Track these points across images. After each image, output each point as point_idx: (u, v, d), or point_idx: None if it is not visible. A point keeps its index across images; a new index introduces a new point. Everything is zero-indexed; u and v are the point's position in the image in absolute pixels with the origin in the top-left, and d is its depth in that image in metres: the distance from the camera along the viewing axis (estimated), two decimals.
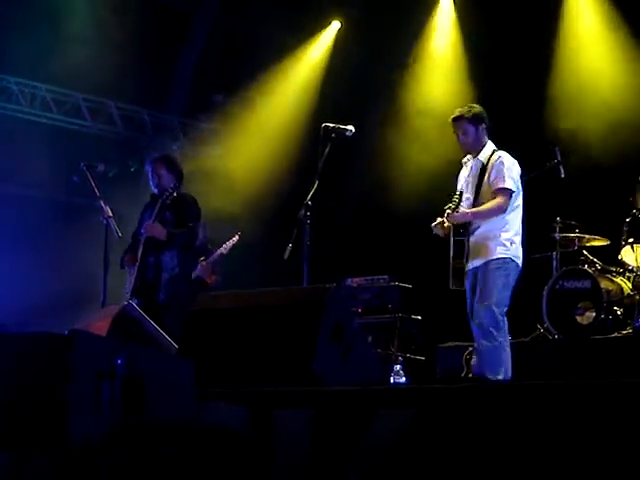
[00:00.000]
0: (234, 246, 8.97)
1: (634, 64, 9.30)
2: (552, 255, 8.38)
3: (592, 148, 8.94)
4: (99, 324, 5.44)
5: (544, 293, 7.98)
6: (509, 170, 6.31)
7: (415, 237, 6.60)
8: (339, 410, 3.74)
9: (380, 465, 3.52)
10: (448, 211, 6.30)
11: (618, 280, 7.95)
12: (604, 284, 7.80)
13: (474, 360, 6.66)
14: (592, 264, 8.13)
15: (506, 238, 6.26)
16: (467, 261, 6.29)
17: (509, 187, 6.27)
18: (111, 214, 7.41)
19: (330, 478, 3.61)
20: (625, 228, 7.99)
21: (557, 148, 8.09)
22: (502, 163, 6.33)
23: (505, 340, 6.18)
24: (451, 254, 6.30)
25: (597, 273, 7.93)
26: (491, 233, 6.29)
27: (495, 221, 6.29)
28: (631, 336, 7.49)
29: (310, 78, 11.47)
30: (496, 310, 6.13)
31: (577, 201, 8.70)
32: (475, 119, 6.49)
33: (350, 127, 6.57)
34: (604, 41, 9.74)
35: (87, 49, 9.84)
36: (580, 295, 7.86)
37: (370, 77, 10.82)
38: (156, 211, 7.22)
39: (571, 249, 8.41)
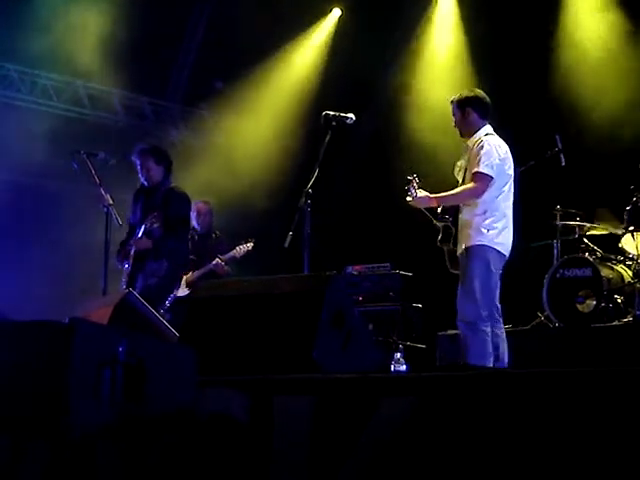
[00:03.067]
0: (248, 252, 8.95)
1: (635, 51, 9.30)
2: (553, 243, 8.39)
3: (593, 136, 8.93)
4: (100, 312, 5.43)
5: (545, 281, 7.98)
6: (487, 154, 6.09)
7: (416, 225, 6.59)
8: (339, 398, 3.74)
9: (380, 454, 3.53)
10: (409, 198, 6.21)
11: (619, 268, 7.95)
12: (605, 272, 7.80)
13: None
14: (593, 252, 8.13)
15: (484, 224, 6.09)
16: (455, 245, 6.21)
17: (483, 171, 6.06)
18: (111, 202, 7.42)
19: (329, 466, 3.62)
20: (625, 216, 7.98)
21: (558, 136, 8.09)
22: (481, 147, 6.12)
23: (488, 328, 6.07)
24: (439, 238, 6.26)
25: (598, 261, 7.93)
26: (470, 219, 6.14)
27: (474, 206, 6.14)
28: (632, 324, 7.50)
29: (311, 65, 11.44)
30: (481, 306, 6.02)
31: (578, 189, 8.69)
32: (462, 103, 6.31)
33: (351, 115, 6.56)
34: (605, 28, 9.71)
35: (88, 37, 9.82)
36: (581, 283, 7.86)
37: (371, 64, 10.80)
38: (146, 228, 7.23)
39: (572, 237, 8.41)
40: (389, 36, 10.82)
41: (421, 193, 6.23)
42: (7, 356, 3.49)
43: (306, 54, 11.48)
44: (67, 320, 3.46)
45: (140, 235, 7.34)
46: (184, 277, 8.57)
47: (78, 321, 3.50)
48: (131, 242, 7.40)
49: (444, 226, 6.26)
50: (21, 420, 3.38)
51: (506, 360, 6.14)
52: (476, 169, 6.10)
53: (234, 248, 8.94)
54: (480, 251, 6.09)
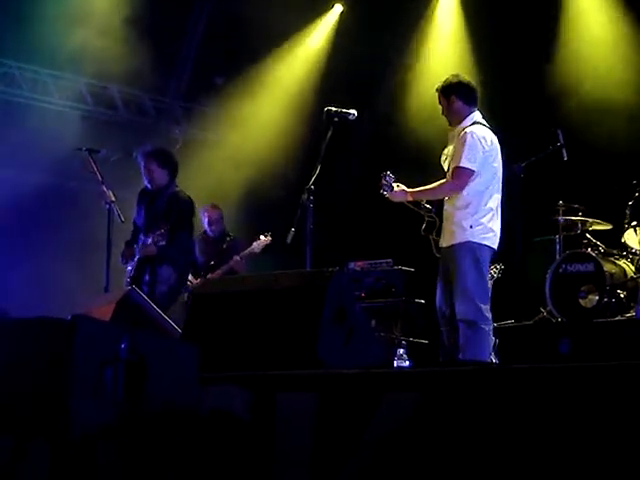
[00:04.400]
0: (267, 246, 8.91)
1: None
2: (555, 238, 8.38)
3: (596, 131, 8.91)
4: (102, 309, 5.43)
5: (547, 276, 7.97)
6: (470, 148, 5.96)
7: (418, 220, 6.58)
8: (342, 394, 3.74)
9: (384, 450, 3.53)
10: (385, 193, 6.15)
11: (621, 263, 7.94)
12: (607, 267, 7.79)
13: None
14: (595, 247, 8.12)
15: (469, 221, 5.99)
16: (438, 235, 6.15)
17: (465, 166, 5.95)
18: (114, 199, 7.41)
19: (333, 462, 3.61)
20: (628, 211, 7.97)
21: (560, 130, 8.08)
22: (465, 140, 5.98)
23: (488, 326, 6.00)
24: (423, 227, 6.23)
25: (600, 256, 7.92)
26: (452, 212, 6.07)
27: (455, 199, 6.05)
28: (634, 319, 7.49)
29: (313, 61, 11.42)
30: (481, 305, 5.96)
31: (580, 184, 8.68)
32: (446, 90, 6.20)
33: (353, 111, 6.54)
34: (611, 21, 9.69)
35: (89, 33, 9.81)
36: (583, 278, 7.84)
37: (373, 60, 10.78)
38: (154, 237, 7.19)
39: (574, 232, 8.39)
40: (391, 32, 10.79)
41: (398, 188, 6.16)
42: (7, 354, 3.48)
43: (308, 50, 11.46)
44: (69, 317, 3.45)
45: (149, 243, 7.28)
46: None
47: (80, 318, 3.49)
48: (139, 245, 7.36)
49: (428, 216, 6.19)
50: (21, 420, 3.38)
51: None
52: (457, 164, 6.00)
53: (250, 244, 8.91)
54: (467, 248, 6.01)
